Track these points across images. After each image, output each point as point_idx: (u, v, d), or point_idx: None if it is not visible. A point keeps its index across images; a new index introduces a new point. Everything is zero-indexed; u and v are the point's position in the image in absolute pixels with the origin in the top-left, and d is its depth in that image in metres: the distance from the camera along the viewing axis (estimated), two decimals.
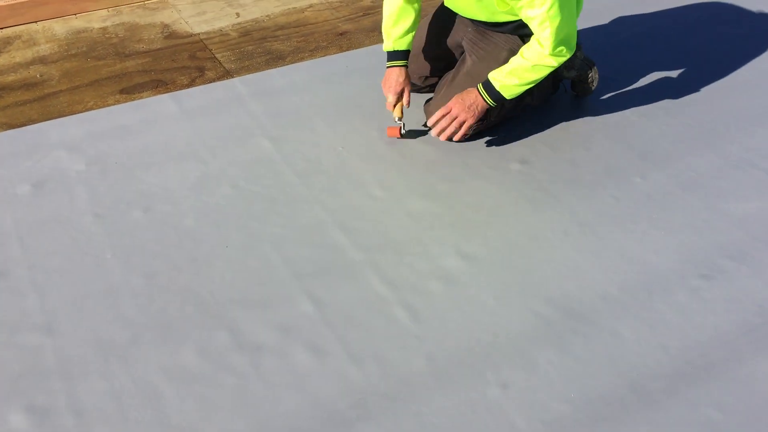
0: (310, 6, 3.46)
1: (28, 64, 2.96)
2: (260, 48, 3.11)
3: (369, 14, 3.38)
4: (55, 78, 2.87)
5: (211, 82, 2.86)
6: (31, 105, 2.70)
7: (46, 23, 3.26)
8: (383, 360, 1.76)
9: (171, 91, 2.79)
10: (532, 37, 2.20)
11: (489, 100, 2.30)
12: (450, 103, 2.33)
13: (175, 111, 2.65)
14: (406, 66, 2.45)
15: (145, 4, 3.43)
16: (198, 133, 2.53)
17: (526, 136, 2.53)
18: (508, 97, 2.29)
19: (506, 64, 2.27)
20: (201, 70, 2.94)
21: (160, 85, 2.84)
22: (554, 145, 2.49)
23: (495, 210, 2.22)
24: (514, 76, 2.24)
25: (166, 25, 3.27)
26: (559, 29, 2.10)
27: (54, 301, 1.90)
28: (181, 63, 2.98)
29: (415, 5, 2.40)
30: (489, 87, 2.29)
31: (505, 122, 2.55)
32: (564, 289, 1.95)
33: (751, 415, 1.65)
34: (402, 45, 2.43)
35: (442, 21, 2.56)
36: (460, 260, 2.03)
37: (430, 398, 1.68)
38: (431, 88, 2.64)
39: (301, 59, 3.01)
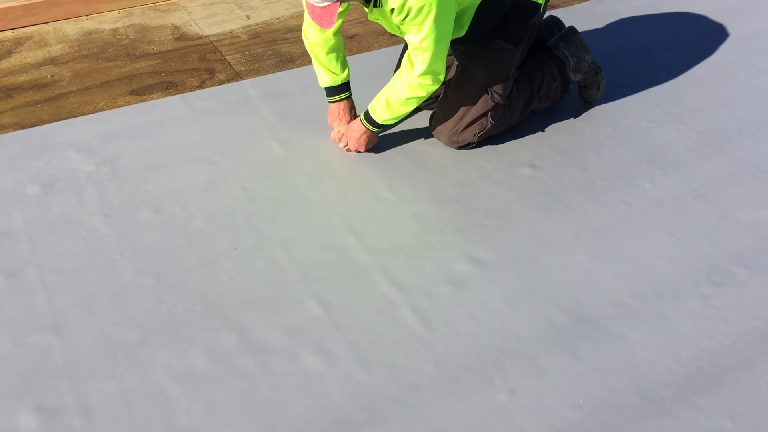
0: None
1: (39, 65, 2.97)
2: (270, 50, 3.11)
3: None
4: (66, 79, 2.88)
5: (221, 84, 2.86)
6: (42, 105, 2.71)
7: (58, 24, 3.27)
8: (391, 364, 1.76)
9: (181, 92, 2.79)
10: (404, 61, 2.22)
11: (372, 128, 2.36)
12: (344, 137, 2.43)
13: (185, 112, 2.65)
14: (347, 98, 2.47)
15: (155, 6, 3.44)
16: (208, 135, 2.53)
17: (535, 141, 2.52)
18: (388, 124, 2.36)
19: (383, 94, 2.29)
20: (211, 72, 2.95)
21: (171, 86, 2.84)
22: (564, 150, 2.48)
23: (504, 215, 2.21)
24: (387, 111, 2.29)
25: (176, 27, 3.27)
26: (431, 60, 2.13)
27: (63, 301, 1.90)
28: (192, 65, 2.99)
29: (338, 37, 2.39)
30: (369, 118, 2.34)
31: (514, 127, 2.55)
32: (574, 295, 1.94)
33: (762, 423, 1.63)
34: (344, 78, 2.45)
35: None
36: (470, 265, 2.03)
37: (439, 403, 1.67)
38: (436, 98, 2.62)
39: (311, 62, 3.00)
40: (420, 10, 2.02)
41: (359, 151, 2.44)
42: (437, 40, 2.08)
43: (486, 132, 2.42)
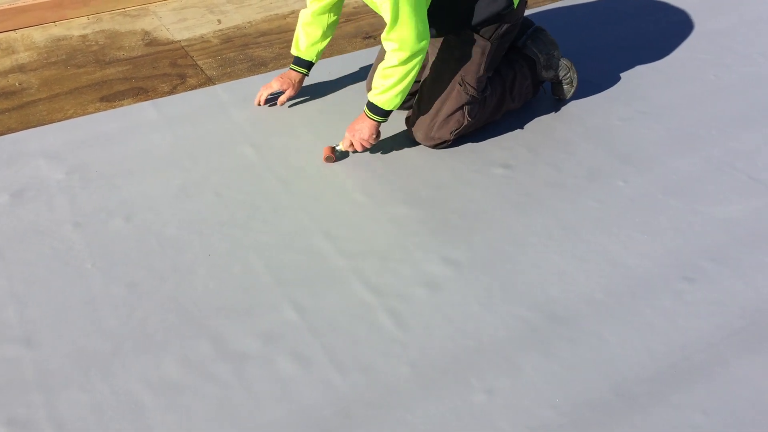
0: (292, 12, 3.45)
1: (6, 73, 2.93)
2: (242, 55, 3.09)
3: (351, 20, 3.37)
4: (35, 86, 2.84)
5: (192, 89, 2.84)
6: (10, 114, 2.67)
7: (25, 31, 3.23)
8: (368, 367, 1.75)
9: (152, 98, 2.77)
10: None
11: (376, 117, 2.32)
12: (347, 134, 2.38)
13: (156, 118, 2.63)
14: (305, 75, 2.63)
15: (125, 11, 3.41)
16: (180, 141, 2.51)
17: (509, 141, 2.53)
18: (387, 108, 2.29)
19: None
20: (182, 77, 2.92)
21: (141, 92, 2.81)
22: (536, 149, 2.49)
23: (479, 215, 2.21)
24: (374, 88, 2.28)
25: (146, 33, 3.25)
26: (392, 17, 2.08)
27: (33, 312, 1.87)
28: (162, 70, 2.96)
29: (324, 18, 2.47)
30: (370, 105, 2.32)
31: (487, 126, 2.56)
32: (548, 294, 1.95)
33: (734, 417, 1.65)
34: (306, 55, 2.55)
35: None
36: (445, 266, 2.03)
37: (415, 405, 1.67)
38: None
39: (284, 66, 2.99)
40: None
41: (364, 149, 2.41)
42: None
43: (462, 130, 2.43)
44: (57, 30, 3.24)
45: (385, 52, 2.57)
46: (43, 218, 2.17)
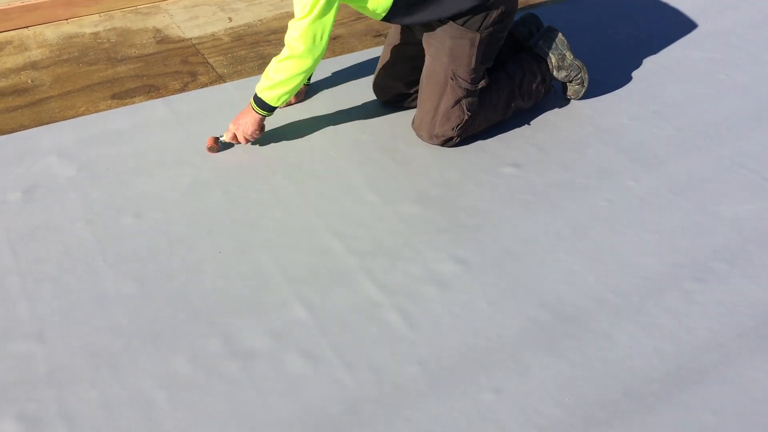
0: None
1: (19, 70, 2.94)
2: (253, 52, 3.10)
3: (361, 18, 3.37)
4: (47, 83, 2.86)
5: (203, 86, 2.85)
6: (22, 111, 2.69)
7: (38, 28, 3.24)
8: (376, 366, 1.76)
9: (163, 96, 2.78)
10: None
11: (261, 112, 2.35)
12: (231, 127, 2.41)
13: (167, 116, 2.64)
14: (307, 85, 2.74)
15: (137, 9, 3.42)
16: (190, 139, 2.52)
17: (518, 140, 2.53)
18: (273, 105, 2.32)
19: None
20: (193, 74, 2.93)
21: (153, 90, 2.83)
22: (546, 148, 2.49)
23: (488, 214, 2.21)
24: (265, 80, 2.29)
25: (158, 30, 3.26)
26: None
27: (45, 308, 1.89)
28: (174, 68, 2.97)
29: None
30: (256, 98, 2.33)
31: (496, 126, 2.56)
32: (557, 294, 1.95)
33: (744, 418, 1.65)
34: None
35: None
36: (454, 265, 2.03)
37: (424, 404, 1.67)
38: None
39: None
40: None
41: (248, 142, 2.45)
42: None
43: (464, 125, 2.42)
44: (69, 27, 3.26)
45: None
46: (55, 215, 2.18)
